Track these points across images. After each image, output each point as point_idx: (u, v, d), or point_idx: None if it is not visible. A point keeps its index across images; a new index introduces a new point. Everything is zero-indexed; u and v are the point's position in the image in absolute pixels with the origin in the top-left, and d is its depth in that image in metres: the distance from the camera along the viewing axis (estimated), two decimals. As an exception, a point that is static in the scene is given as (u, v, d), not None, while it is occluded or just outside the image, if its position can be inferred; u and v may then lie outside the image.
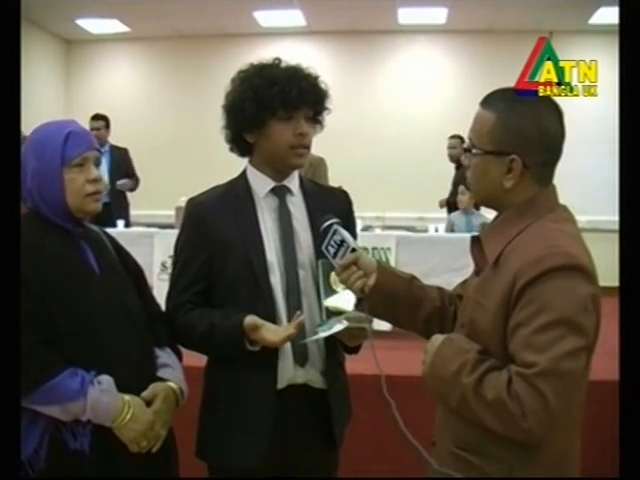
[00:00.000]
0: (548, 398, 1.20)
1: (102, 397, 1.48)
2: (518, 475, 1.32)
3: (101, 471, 1.50)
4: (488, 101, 1.41)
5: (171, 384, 1.64)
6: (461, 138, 6.45)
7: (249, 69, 1.75)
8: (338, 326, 1.60)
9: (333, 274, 1.64)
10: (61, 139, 1.55)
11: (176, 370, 1.69)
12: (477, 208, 5.30)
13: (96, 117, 6.06)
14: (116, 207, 5.88)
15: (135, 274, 1.75)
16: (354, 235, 1.80)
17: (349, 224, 1.81)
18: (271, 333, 1.63)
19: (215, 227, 1.72)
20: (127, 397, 1.53)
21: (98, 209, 1.62)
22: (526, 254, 1.28)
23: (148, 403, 1.57)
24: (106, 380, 1.51)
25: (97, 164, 1.62)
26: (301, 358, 1.72)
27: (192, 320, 1.71)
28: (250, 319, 1.63)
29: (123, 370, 1.55)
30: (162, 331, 1.74)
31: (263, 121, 1.70)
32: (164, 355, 1.70)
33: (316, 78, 1.76)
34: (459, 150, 6.54)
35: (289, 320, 1.69)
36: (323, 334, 1.62)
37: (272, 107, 1.67)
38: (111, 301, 1.59)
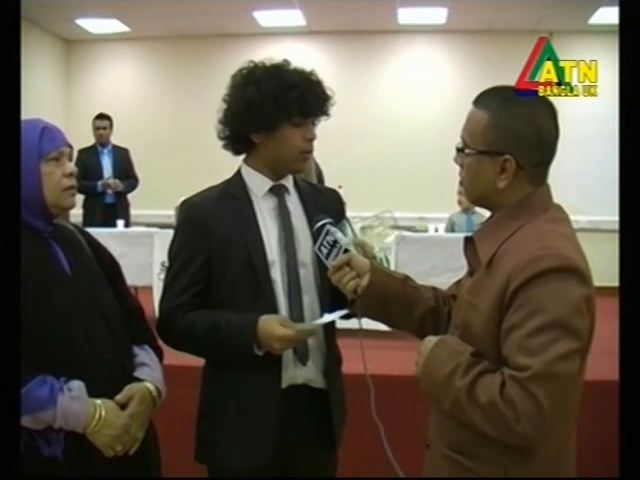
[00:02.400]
0: (541, 402, 1.19)
1: (72, 404, 1.46)
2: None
3: (75, 477, 1.49)
4: (481, 100, 1.40)
5: (147, 384, 1.62)
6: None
7: (260, 69, 1.73)
8: (340, 311, 1.62)
9: None
10: (37, 134, 1.54)
11: (154, 370, 1.67)
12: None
13: (101, 116, 6.07)
14: (120, 207, 5.91)
15: (111, 271, 1.72)
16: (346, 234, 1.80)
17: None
18: (284, 329, 1.62)
19: (214, 228, 1.71)
20: (99, 402, 1.50)
21: (73, 204, 1.61)
22: (519, 255, 1.28)
23: (123, 406, 1.55)
24: (77, 386, 1.48)
25: (71, 159, 1.62)
26: (302, 356, 1.72)
27: (193, 319, 1.69)
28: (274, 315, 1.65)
29: (97, 371, 1.53)
30: (139, 328, 1.72)
31: (276, 124, 1.69)
32: (142, 353, 1.68)
33: (322, 83, 1.76)
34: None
35: (291, 318, 1.69)
36: (328, 317, 1.63)
37: (289, 111, 1.67)
38: (83, 302, 1.57)
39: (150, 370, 1.66)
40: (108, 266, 1.72)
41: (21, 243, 1.49)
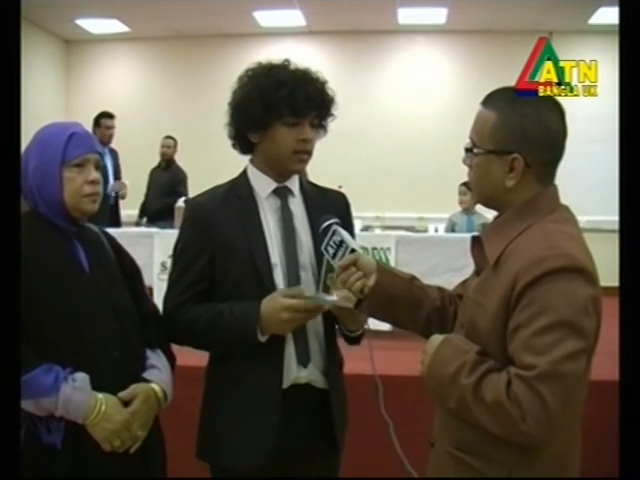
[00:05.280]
0: (547, 401, 1.19)
1: (74, 394, 1.48)
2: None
3: (72, 467, 1.51)
4: (489, 100, 1.40)
5: (154, 385, 1.63)
6: (174, 139, 6.47)
7: (257, 68, 1.74)
8: (326, 298, 1.63)
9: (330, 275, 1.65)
10: (63, 139, 1.58)
11: (163, 372, 1.68)
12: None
13: (110, 116, 5.94)
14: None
15: (131, 274, 1.75)
16: (352, 236, 1.80)
17: (347, 225, 1.81)
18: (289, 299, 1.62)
19: (219, 228, 1.71)
20: (101, 395, 1.52)
21: (95, 210, 1.63)
22: (527, 255, 1.28)
23: (126, 403, 1.56)
24: (81, 378, 1.51)
25: (97, 166, 1.63)
26: (304, 358, 1.72)
27: (196, 312, 1.69)
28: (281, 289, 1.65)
29: (104, 369, 1.55)
30: (154, 332, 1.73)
31: (268, 123, 1.69)
32: (154, 356, 1.70)
33: (324, 83, 1.75)
34: (172, 150, 6.51)
35: None
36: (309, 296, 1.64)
37: (278, 111, 1.66)
38: (98, 300, 1.60)
39: (158, 372, 1.67)
40: (128, 269, 1.75)
41: (44, 239, 1.57)
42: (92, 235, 1.70)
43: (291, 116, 1.67)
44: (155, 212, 6.24)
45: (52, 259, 1.56)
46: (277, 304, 1.62)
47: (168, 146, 6.52)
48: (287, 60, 1.75)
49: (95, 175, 1.61)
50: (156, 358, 1.70)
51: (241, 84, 1.74)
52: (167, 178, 6.40)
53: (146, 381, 1.63)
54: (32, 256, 1.51)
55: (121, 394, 1.56)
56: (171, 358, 1.76)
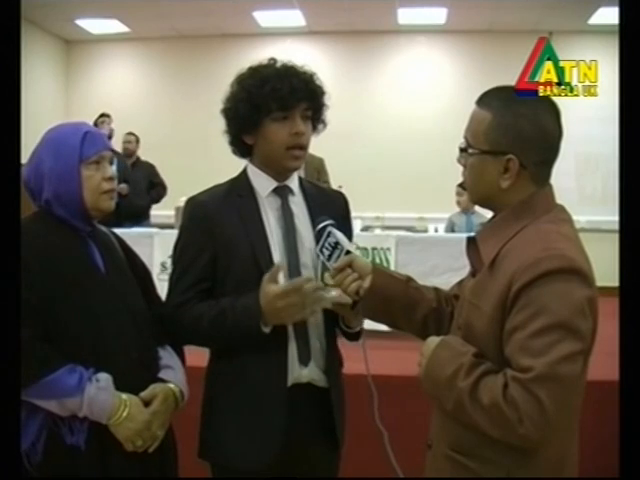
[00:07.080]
0: (544, 403, 1.19)
1: (99, 395, 1.49)
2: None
3: (95, 467, 1.52)
4: (484, 100, 1.39)
5: (171, 386, 1.65)
6: (135, 135, 6.50)
7: (244, 71, 1.75)
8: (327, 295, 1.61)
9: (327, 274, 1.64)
10: (79, 138, 1.59)
11: (178, 372, 1.70)
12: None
13: (106, 115, 6.30)
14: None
15: (142, 275, 1.77)
16: (351, 236, 1.80)
17: (347, 225, 1.82)
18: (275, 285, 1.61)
19: (220, 227, 1.71)
20: (124, 396, 1.54)
21: (112, 207, 1.65)
22: (522, 256, 1.27)
23: (146, 403, 1.58)
24: (104, 378, 1.52)
25: (111, 163, 1.66)
26: (305, 357, 1.71)
27: (200, 310, 1.68)
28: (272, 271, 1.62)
29: (122, 369, 1.56)
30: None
31: (258, 122, 1.69)
32: (167, 356, 1.71)
33: (311, 75, 1.74)
34: (134, 145, 6.50)
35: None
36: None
37: (266, 107, 1.66)
38: (114, 301, 1.61)
39: (174, 372, 1.69)
40: (139, 270, 1.77)
41: (60, 239, 1.58)
42: (104, 236, 1.72)
43: (279, 110, 1.67)
44: (143, 210, 6.30)
45: (69, 259, 1.58)
46: (268, 295, 1.60)
47: (129, 141, 6.50)
48: (273, 59, 1.75)
49: (111, 171, 1.64)
50: (169, 357, 1.71)
51: (232, 89, 1.75)
52: (141, 175, 6.36)
53: (163, 381, 1.64)
54: (49, 257, 1.53)
55: (142, 394, 1.58)
56: (182, 356, 1.77)
